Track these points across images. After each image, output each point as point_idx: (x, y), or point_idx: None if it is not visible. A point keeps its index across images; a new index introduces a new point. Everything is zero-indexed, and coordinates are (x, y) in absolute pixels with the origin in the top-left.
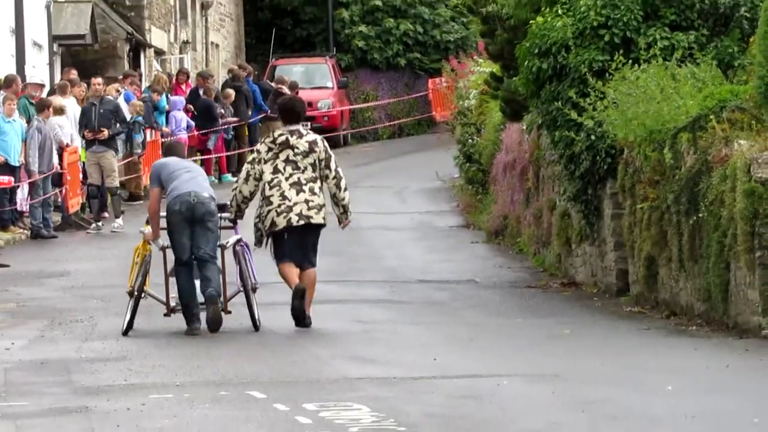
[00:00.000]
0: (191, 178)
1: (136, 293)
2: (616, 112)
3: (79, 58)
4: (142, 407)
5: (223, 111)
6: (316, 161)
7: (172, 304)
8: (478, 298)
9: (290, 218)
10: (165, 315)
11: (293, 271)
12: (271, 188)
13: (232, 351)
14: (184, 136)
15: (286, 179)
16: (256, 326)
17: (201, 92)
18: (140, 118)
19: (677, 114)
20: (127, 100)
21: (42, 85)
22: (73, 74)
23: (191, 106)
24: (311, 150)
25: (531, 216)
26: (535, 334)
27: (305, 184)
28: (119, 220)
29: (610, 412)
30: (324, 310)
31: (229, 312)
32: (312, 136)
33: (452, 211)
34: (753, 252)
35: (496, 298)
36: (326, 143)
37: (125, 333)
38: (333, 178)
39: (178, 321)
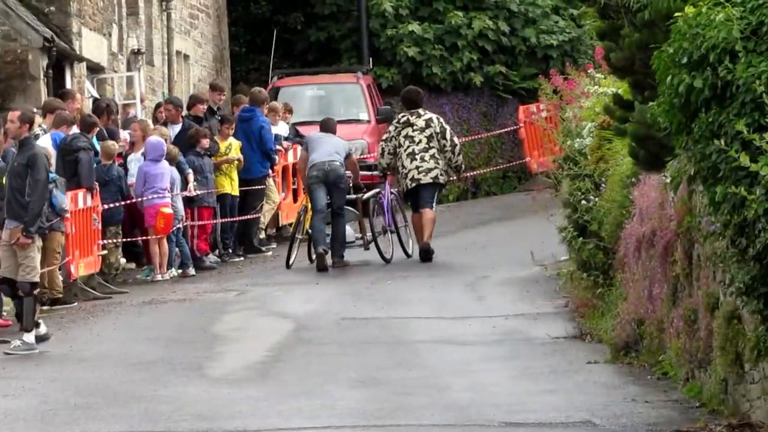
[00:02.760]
0: (328, 150)
1: (295, 236)
2: None
3: None
4: None
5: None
6: (433, 134)
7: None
8: None
9: (406, 183)
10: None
11: (417, 223)
12: (398, 159)
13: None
14: (167, 203)
15: (405, 150)
16: (385, 260)
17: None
18: (117, 169)
19: None
20: (56, 143)
21: None
22: None
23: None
24: (427, 126)
25: (680, 320)
26: None
27: (417, 154)
28: (29, 336)
29: None
30: None
31: (367, 249)
32: (428, 114)
33: (557, 313)
34: None
35: None
36: (442, 119)
37: (289, 267)
38: (450, 146)
39: None
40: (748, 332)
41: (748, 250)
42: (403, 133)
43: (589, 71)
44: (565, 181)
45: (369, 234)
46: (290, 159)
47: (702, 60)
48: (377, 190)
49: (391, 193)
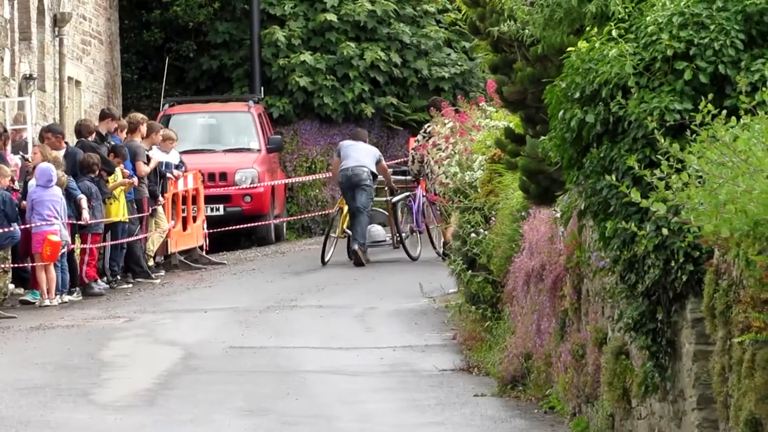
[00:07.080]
0: (356, 157)
1: (330, 234)
2: (701, 191)
3: None
4: None
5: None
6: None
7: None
8: None
9: (434, 187)
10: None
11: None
12: (428, 165)
13: None
14: (55, 231)
15: (432, 158)
16: (411, 257)
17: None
18: (5, 194)
19: None
20: None
21: None
22: None
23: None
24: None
25: (568, 354)
26: None
27: (445, 159)
28: None
29: None
30: None
31: (397, 247)
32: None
33: (445, 345)
34: None
35: None
36: None
37: (324, 264)
38: None
39: None
40: (635, 368)
41: (637, 285)
42: (431, 141)
43: (480, 104)
44: (455, 213)
45: (397, 235)
46: (180, 187)
47: (594, 95)
48: (407, 194)
49: (423, 196)
